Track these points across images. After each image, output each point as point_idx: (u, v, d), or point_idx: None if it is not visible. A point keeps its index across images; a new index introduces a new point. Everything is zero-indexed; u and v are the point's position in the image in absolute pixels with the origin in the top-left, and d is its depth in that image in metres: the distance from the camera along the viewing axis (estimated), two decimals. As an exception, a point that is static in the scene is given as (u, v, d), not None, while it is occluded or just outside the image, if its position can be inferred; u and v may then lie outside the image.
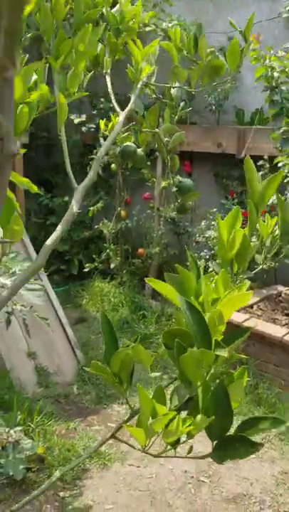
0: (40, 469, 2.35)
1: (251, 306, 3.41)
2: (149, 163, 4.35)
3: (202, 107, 4.34)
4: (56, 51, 0.77)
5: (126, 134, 0.96)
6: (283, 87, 3.21)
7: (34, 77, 0.77)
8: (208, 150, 4.24)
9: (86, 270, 4.49)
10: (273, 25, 4.08)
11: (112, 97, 0.80)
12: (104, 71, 0.92)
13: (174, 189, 1.03)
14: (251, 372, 3.05)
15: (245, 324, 3.01)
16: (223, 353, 0.58)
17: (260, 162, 3.46)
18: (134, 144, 0.97)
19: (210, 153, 4.25)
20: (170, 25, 4.47)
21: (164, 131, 0.95)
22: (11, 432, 2.40)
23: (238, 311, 3.27)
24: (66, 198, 5.08)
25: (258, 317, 3.23)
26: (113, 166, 4.38)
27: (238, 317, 3.13)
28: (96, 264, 4.48)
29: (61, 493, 2.25)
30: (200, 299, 0.58)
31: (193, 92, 1.00)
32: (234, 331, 0.62)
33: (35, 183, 0.91)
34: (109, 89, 0.81)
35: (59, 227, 0.79)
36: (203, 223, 3.73)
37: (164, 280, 0.65)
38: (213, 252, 3.62)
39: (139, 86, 0.79)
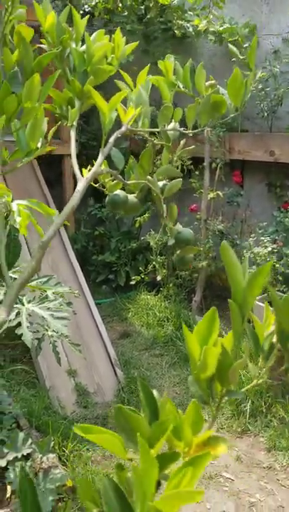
0: (72, 499, 2.28)
1: None
2: (197, 172, 4.20)
3: (254, 112, 4.12)
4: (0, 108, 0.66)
5: (115, 181, 0.83)
6: None
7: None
8: (261, 159, 4.01)
9: (133, 283, 4.42)
10: None
11: (73, 157, 0.66)
12: (68, 124, 0.78)
13: (171, 241, 0.90)
14: None
15: None
16: None
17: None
18: (124, 191, 0.85)
19: (263, 162, 4.02)
20: (221, 28, 4.30)
21: (159, 175, 0.82)
22: (44, 458, 2.36)
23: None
24: (114, 208, 5.03)
25: None
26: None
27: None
28: (142, 276, 4.40)
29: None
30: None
31: (190, 135, 0.83)
32: None
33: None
34: (72, 147, 0.67)
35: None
36: (251, 239, 3.52)
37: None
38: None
39: (111, 140, 0.66)
